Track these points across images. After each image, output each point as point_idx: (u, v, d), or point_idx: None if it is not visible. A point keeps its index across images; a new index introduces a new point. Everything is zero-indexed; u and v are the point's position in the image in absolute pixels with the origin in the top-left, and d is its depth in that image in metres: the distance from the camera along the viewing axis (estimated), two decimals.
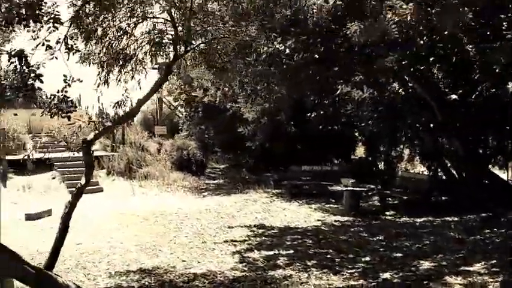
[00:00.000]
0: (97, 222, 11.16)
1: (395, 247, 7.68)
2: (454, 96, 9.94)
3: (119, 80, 7.85)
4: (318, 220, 10.56)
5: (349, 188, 11.32)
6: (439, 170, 12.47)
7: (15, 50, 5.81)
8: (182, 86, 17.69)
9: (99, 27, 7.15)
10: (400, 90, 11.19)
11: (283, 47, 8.05)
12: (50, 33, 5.94)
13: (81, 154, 17.71)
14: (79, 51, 6.44)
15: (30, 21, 5.55)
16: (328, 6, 6.28)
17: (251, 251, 7.98)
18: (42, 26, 5.55)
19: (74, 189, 14.87)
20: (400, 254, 7.16)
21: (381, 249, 7.52)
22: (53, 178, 16.17)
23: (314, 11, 6.13)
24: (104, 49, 7.61)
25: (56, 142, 19.98)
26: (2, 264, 4.20)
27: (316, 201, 12.99)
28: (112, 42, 7.65)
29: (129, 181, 17.13)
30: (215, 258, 7.64)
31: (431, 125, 10.92)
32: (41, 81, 5.65)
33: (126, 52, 7.85)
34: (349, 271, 6.38)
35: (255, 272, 6.70)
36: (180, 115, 27.85)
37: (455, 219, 9.51)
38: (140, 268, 7.14)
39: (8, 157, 16.47)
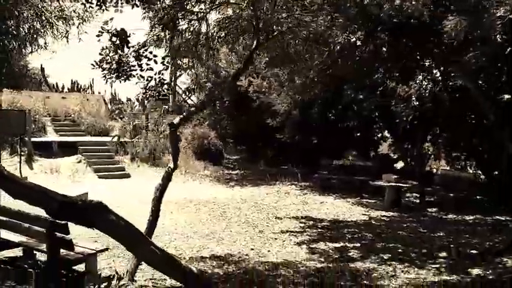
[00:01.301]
0: (139, 207, 11.02)
1: (466, 244, 7.68)
2: (507, 96, 9.99)
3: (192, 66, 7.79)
4: (364, 214, 10.56)
5: (392, 184, 11.33)
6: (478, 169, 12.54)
7: (115, 29, 5.74)
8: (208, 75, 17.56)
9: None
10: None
11: (354, 39, 8.00)
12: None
13: (101, 139, 17.58)
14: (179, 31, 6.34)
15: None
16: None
17: (315, 242, 7.96)
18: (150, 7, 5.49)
19: (101, 173, 14.90)
20: (475, 251, 7.17)
21: (452, 246, 7.51)
22: (79, 162, 15.98)
23: (413, 2, 6.07)
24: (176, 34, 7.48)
25: (75, 126, 19.78)
26: (125, 239, 4.14)
27: (350, 196, 12.99)
28: (184, 27, 7.54)
29: (154, 168, 17.03)
30: (282, 248, 7.60)
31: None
32: (155, 62, 5.56)
33: (199, 38, 7.75)
34: (433, 266, 6.38)
35: (334, 263, 6.68)
36: (191, 102, 27.75)
37: (508, 218, 9.56)
38: (213, 255, 7.07)
39: (33, 139, 16.26)
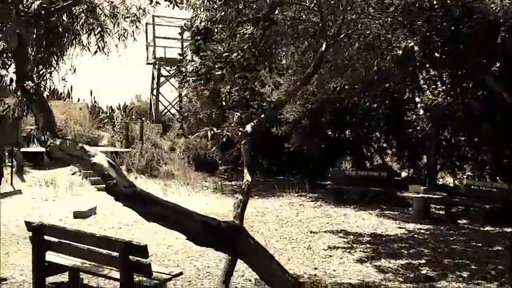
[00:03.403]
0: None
1: None
2: None
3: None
4: (399, 227, 10.12)
5: (421, 195, 11.00)
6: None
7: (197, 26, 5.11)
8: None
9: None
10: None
11: (412, 43, 7.59)
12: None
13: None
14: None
15: None
16: None
17: (376, 259, 7.44)
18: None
19: (100, 185, 13.95)
20: None
21: None
22: (73, 173, 14.93)
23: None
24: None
25: (62, 135, 18.63)
26: (262, 267, 3.51)
27: (369, 207, 12.53)
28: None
29: (152, 179, 16.16)
30: (346, 266, 7.04)
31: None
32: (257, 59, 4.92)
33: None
34: None
35: (416, 283, 6.18)
36: (174, 112, 26.77)
37: None
38: None
39: (22, 149, 15.10)
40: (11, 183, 13.30)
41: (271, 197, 14.54)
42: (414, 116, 13.18)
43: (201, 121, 20.64)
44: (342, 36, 6.72)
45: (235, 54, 4.92)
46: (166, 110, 27.02)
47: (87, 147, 3.46)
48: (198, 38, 4.98)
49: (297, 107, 14.25)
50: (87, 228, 9.46)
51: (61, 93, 24.33)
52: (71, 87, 25.38)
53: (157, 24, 25.51)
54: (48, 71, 5.41)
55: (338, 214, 11.72)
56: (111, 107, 26.22)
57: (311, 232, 9.60)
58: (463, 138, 12.93)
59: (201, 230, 3.11)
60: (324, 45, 6.47)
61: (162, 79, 26.83)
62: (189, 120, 21.81)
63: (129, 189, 3.14)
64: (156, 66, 26.04)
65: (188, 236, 3.13)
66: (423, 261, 7.33)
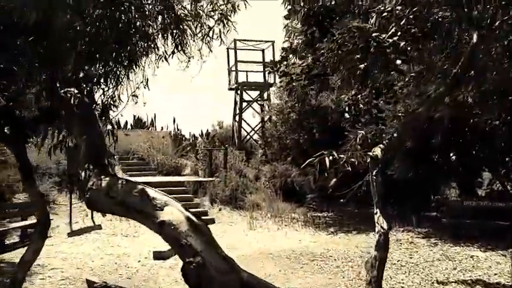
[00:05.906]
0: (249, 261, 8.85)
1: None
2: None
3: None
4: None
5: None
6: None
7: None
8: (296, 104, 15.36)
9: None
10: None
11: None
12: None
13: (177, 179, 15.59)
14: None
15: None
16: None
17: None
18: None
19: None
20: None
21: None
22: None
23: None
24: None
25: (145, 164, 17.97)
26: None
27: (497, 246, 10.23)
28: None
29: (237, 212, 14.83)
30: None
31: None
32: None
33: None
34: None
35: None
36: (256, 137, 25.54)
37: None
38: None
39: None
40: (92, 217, 12.50)
41: (371, 231, 12.56)
42: None
43: (285, 146, 19.23)
44: (498, 23, 4.93)
45: (387, 35, 3.30)
46: (248, 136, 25.89)
47: (150, 190, 2.07)
48: (312, 22, 3.46)
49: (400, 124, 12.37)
50: (167, 273, 8.23)
51: (144, 122, 24.09)
52: (155, 116, 25.10)
53: (239, 49, 24.65)
54: (113, 82, 4.07)
55: (463, 256, 9.60)
56: (194, 134, 25.59)
57: (438, 282, 7.65)
58: None
59: None
60: (474, 36, 4.74)
61: (244, 104, 25.84)
62: (273, 145, 20.42)
63: (227, 277, 1.63)
64: (239, 92, 25.05)
65: None
66: None
